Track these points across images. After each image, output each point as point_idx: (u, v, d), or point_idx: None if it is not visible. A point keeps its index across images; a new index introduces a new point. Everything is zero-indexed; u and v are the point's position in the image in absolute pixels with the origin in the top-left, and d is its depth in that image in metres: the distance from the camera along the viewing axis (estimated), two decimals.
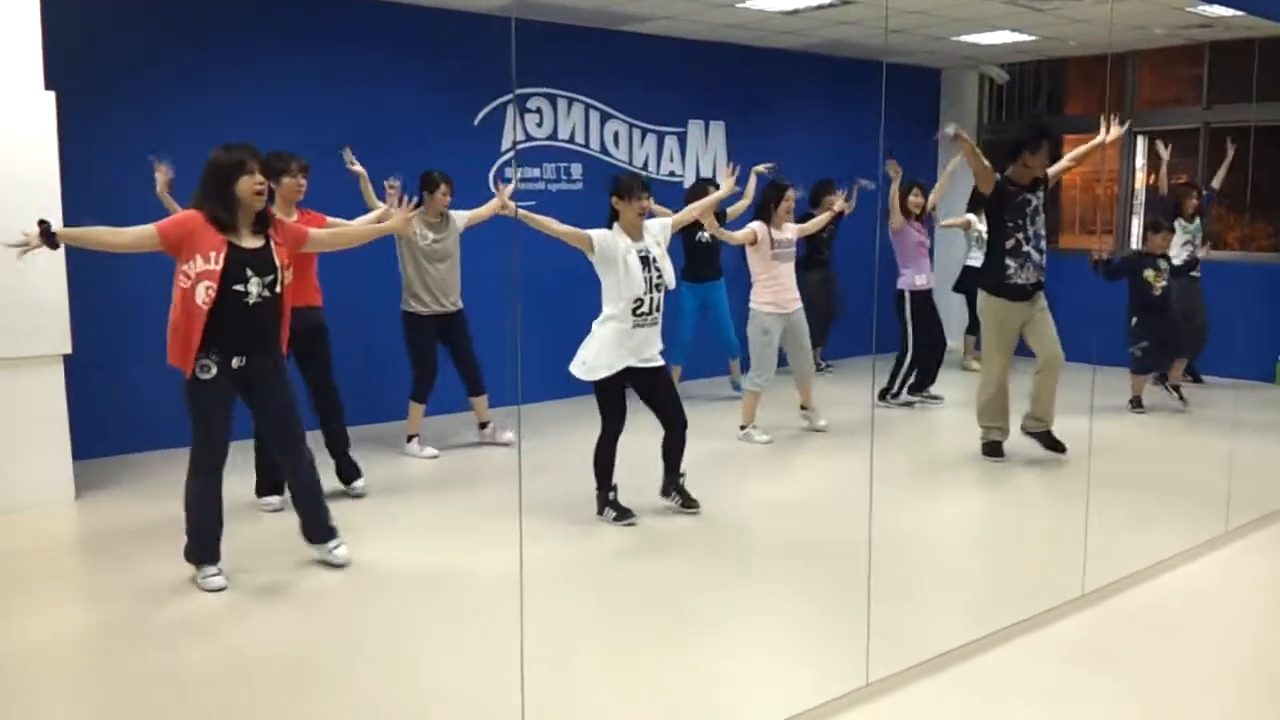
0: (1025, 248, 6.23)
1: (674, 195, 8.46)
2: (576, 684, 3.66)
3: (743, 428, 7.13)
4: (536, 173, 8.30)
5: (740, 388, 8.31)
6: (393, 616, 4.28)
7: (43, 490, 5.69)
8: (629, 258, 5.15)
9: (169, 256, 4.28)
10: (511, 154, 8.01)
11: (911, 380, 8.22)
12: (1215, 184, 8.79)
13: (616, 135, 8.84)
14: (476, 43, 7.18)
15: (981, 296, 6.50)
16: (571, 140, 8.55)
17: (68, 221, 5.24)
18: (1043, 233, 6.32)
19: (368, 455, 6.27)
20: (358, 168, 6.16)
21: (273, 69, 7.08)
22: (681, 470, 5.51)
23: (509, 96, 7.84)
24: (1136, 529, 5.28)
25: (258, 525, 5.31)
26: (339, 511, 5.01)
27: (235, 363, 4.33)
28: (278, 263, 4.38)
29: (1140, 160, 10.48)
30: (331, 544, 4.71)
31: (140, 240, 4.23)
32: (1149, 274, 7.92)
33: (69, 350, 5.72)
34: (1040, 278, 6.33)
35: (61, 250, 5.44)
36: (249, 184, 4.28)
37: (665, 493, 5.54)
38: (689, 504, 5.48)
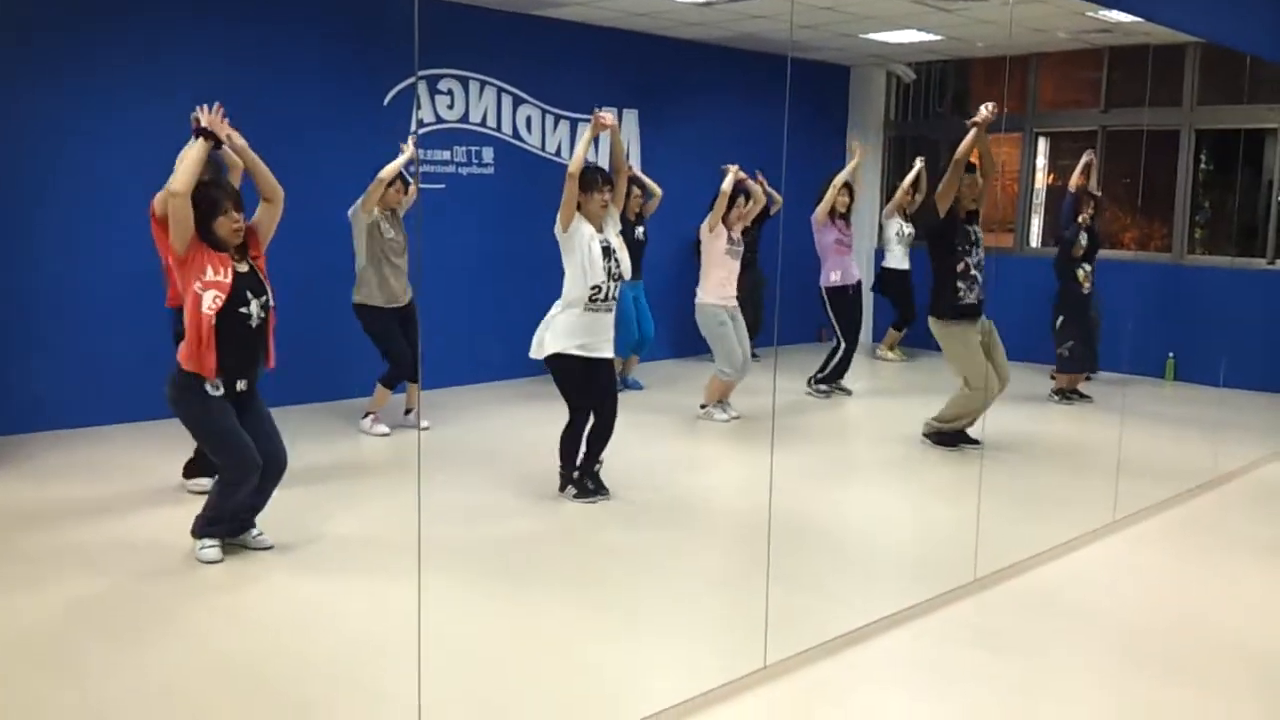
0: (973, 271, 6.49)
1: None
2: (475, 665, 3.65)
3: (703, 406, 7.48)
4: (446, 155, 8.22)
5: (632, 383, 8.44)
6: (299, 599, 4.24)
7: None
8: (592, 245, 5.32)
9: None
10: (413, 136, 7.90)
11: (826, 371, 8.41)
12: (1097, 191, 9.02)
13: (529, 120, 8.80)
14: (387, 21, 7.10)
15: (938, 325, 6.56)
16: (483, 124, 8.49)
17: None
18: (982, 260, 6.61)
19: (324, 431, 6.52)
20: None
21: (174, 49, 6.89)
22: (600, 459, 5.57)
23: (413, 78, 7.75)
24: (1029, 517, 5.44)
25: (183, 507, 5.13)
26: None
27: (239, 386, 4.46)
28: (264, 281, 4.51)
29: (1041, 160, 10.75)
30: (254, 531, 4.73)
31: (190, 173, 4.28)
32: (1080, 274, 8.26)
33: None
34: (983, 298, 6.58)
35: None
36: (227, 225, 4.38)
37: (580, 475, 5.58)
38: (600, 490, 5.54)
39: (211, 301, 4.30)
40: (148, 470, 5.78)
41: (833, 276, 8.26)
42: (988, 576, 4.54)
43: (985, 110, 6.11)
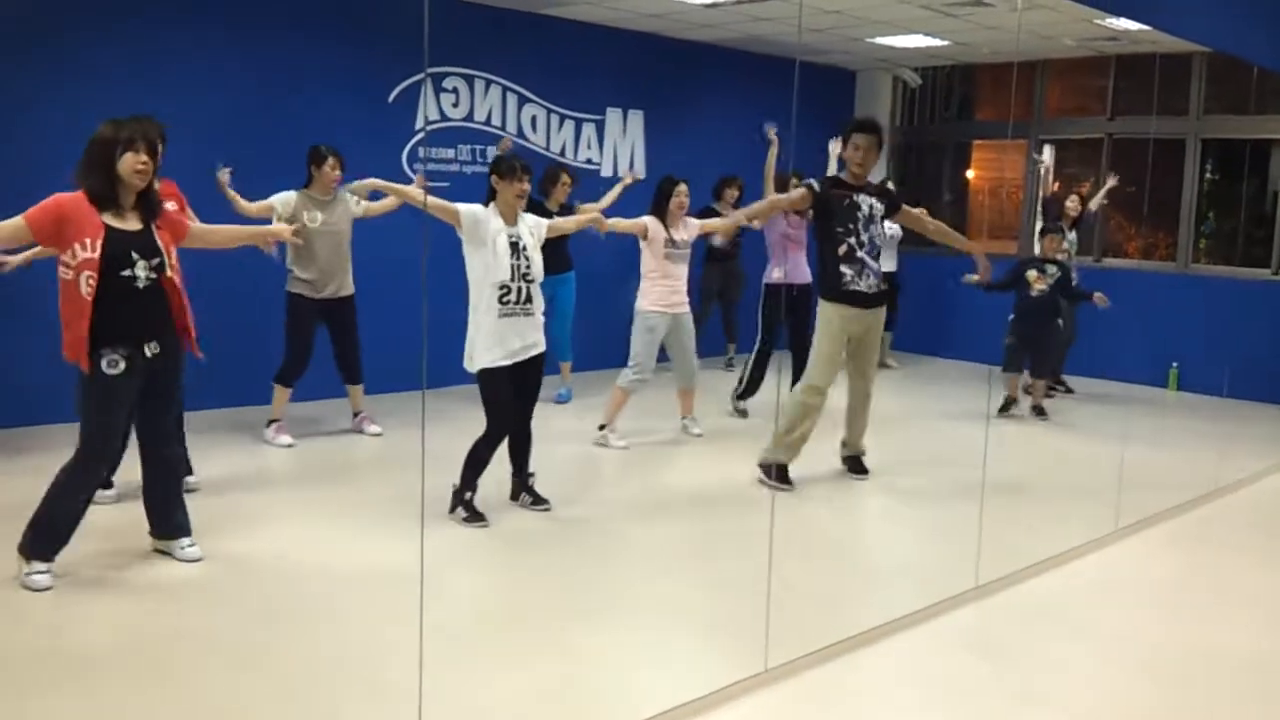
0: (860, 254, 5.76)
1: (592, 182, 8.46)
2: (472, 674, 3.63)
3: (601, 427, 6.71)
4: (451, 154, 8.21)
5: (561, 395, 7.84)
6: (240, 612, 4.16)
7: None
8: (499, 239, 4.92)
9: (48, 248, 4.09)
10: (422, 134, 7.91)
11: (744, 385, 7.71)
12: (1092, 205, 8.90)
13: (534, 119, 8.79)
14: (392, 18, 7.08)
15: (820, 305, 5.95)
16: (488, 122, 8.48)
17: None
18: (879, 244, 5.88)
19: (221, 441, 6.26)
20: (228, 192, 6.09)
21: (180, 43, 6.88)
22: (530, 470, 5.34)
23: (421, 75, 7.75)
24: (1031, 526, 5.41)
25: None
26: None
27: (149, 350, 4.15)
28: (161, 246, 4.17)
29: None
30: (185, 541, 4.49)
31: (12, 234, 3.98)
32: (1031, 274, 7.90)
33: None
34: (883, 288, 5.94)
35: None
36: (132, 162, 4.05)
37: (515, 495, 5.34)
38: (539, 502, 5.30)
39: (86, 284, 3.96)
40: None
41: (774, 274, 7.51)
42: (989, 584, 4.52)
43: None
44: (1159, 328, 9.10)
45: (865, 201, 5.79)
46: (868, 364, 6.03)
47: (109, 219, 4.06)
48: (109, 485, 5.12)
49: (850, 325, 5.84)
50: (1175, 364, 9.42)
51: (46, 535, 4.16)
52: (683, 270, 6.71)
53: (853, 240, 5.75)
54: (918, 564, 4.93)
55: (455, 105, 8.27)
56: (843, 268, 5.75)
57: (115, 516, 4.90)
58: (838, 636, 3.88)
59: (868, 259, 5.79)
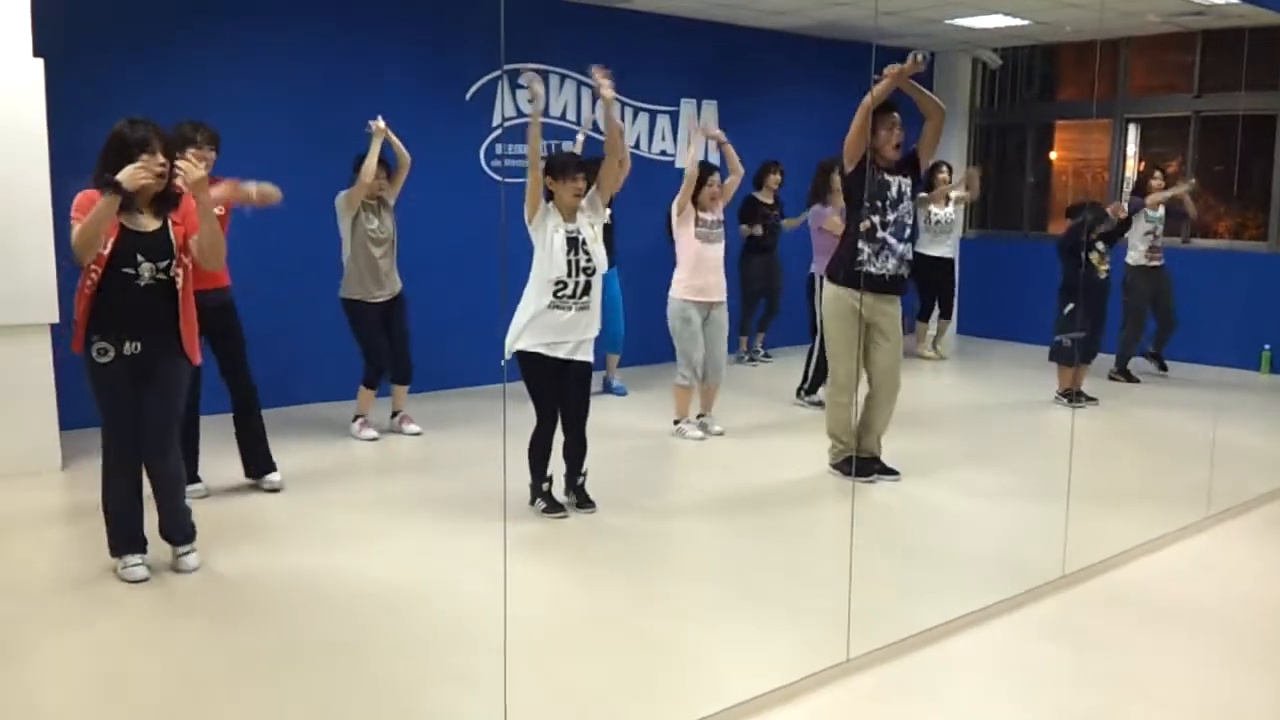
0: (880, 233, 5.51)
1: (667, 175, 8.47)
2: (555, 664, 3.68)
3: (676, 422, 6.76)
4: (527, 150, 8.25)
5: (617, 388, 7.85)
6: (325, 604, 4.26)
7: (29, 460, 5.69)
8: (555, 237, 4.99)
9: None
10: (499, 131, 7.98)
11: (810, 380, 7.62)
12: (1148, 200, 8.44)
13: None
14: (468, 16, 7.16)
15: (826, 288, 5.75)
16: (564, 117, 8.53)
17: (56, 187, 5.37)
18: (907, 224, 5.64)
19: (297, 436, 6.43)
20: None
21: (261, 41, 7.04)
22: (583, 470, 5.25)
23: (499, 72, 7.81)
24: (1119, 513, 5.31)
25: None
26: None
27: (129, 348, 4.11)
28: (175, 245, 4.14)
29: (1131, 148, 10.50)
30: (183, 549, 4.40)
31: (91, 234, 3.97)
32: (1094, 256, 7.53)
33: (56, 319, 5.68)
34: (901, 273, 5.65)
35: (49, 218, 5.44)
36: (149, 165, 4.03)
37: (564, 491, 5.27)
38: (585, 504, 5.23)
39: (89, 279, 4.03)
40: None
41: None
42: (1076, 573, 4.46)
43: (911, 59, 5.34)
44: (1250, 309, 8.85)
45: (894, 180, 5.56)
46: (887, 354, 5.66)
47: (123, 219, 4.06)
48: (196, 480, 5.29)
49: (858, 309, 5.56)
50: (1267, 346, 9.17)
51: (113, 531, 4.29)
52: (717, 253, 6.60)
53: (876, 218, 5.51)
54: (1001, 553, 4.86)
55: (531, 101, 8.30)
56: (860, 244, 5.49)
57: (204, 513, 5.06)
58: (921, 626, 3.86)
59: (890, 239, 5.54)
